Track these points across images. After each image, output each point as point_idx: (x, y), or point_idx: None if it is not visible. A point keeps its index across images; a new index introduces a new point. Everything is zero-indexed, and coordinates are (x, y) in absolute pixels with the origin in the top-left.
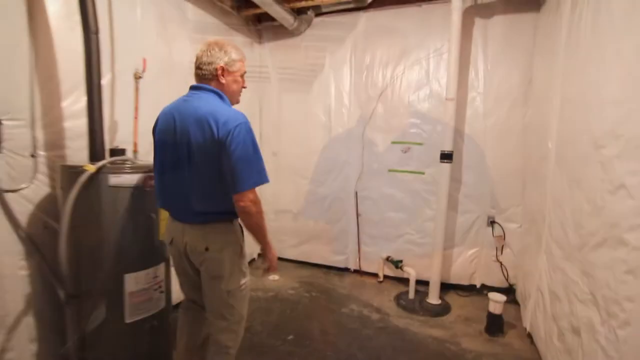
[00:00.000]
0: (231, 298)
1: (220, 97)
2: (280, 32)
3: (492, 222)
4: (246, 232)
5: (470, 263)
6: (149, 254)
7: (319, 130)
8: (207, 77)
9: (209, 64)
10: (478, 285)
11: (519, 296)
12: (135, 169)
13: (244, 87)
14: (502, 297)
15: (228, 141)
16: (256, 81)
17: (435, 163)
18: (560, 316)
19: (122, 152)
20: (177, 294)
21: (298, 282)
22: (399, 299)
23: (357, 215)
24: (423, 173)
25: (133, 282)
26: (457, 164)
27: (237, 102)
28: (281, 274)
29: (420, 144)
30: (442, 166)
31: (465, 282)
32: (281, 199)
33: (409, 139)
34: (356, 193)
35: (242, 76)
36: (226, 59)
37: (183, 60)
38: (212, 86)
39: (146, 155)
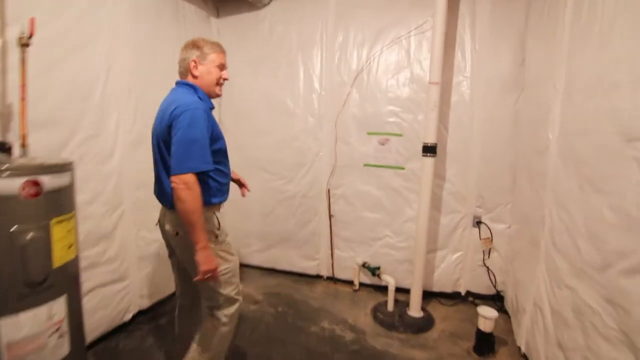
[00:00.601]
0: (212, 283)
1: (193, 89)
2: (241, 4)
3: (478, 223)
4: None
5: (454, 268)
6: (36, 287)
7: (286, 119)
8: (183, 73)
9: (183, 60)
10: (463, 293)
11: (508, 305)
12: (14, 172)
13: (225, 79)
14: (493, 313)
15: (173, 125)
16: None
17: (416, 157)
18: (570, 347)
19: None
20: (94, 326)
21: (263, 294)
22: (377, 311)
23: (330, 215)
24: (403, 168)
25: (13, 328)
26: (440, 158)
27: (217, 94)
28: (245, 284)
29: (399, 134)
30: (425, 160)
31: (449, 290)
32: (246, 197)
33: (387, 129)
34: (328, 191)
35: (219, 67)
36: (198, 53)
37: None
38: (187, 80)
39: (44, 151)
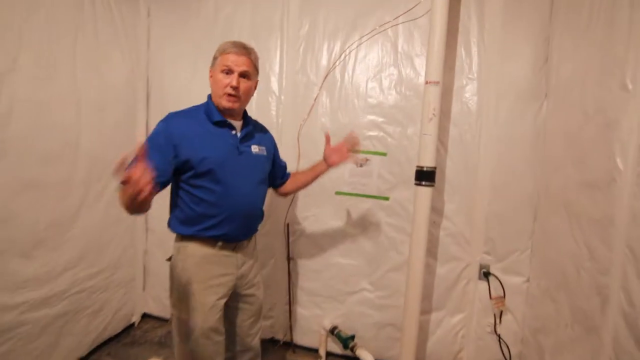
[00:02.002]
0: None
1: (207, 102)
2: None
3: (486, 275)
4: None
5: (455, 336)
6: None
7: None
8: None
9: None
10: None
11: None
12: None
13: (233, 86)
14: None
15: None
16: (141, 50)
17: (405, 183)
18: None
19: None
20: None
21: None
22: None
23: (289, 258)
24: (387, 198)
25: None
26: (436, 187)
27: (223, 106)
28: (167, 354)
29: (383, 153)
30: (419, 191)
31: None
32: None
33: (366, 145)
34: (287, 225)
35: (223, 71)
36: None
37: None
38: None
39: None
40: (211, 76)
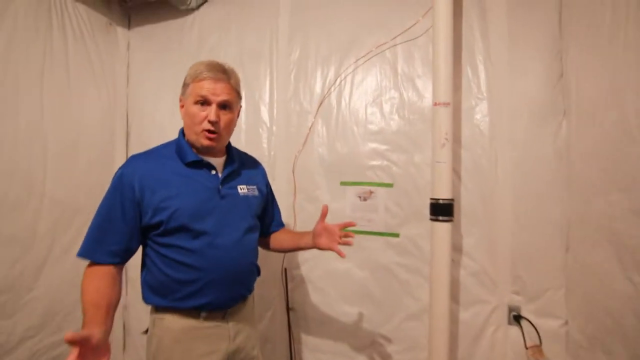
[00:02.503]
0: None
1: (178, 138)
2: (160, 9)
3: (517, 318)
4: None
5: None
6: None
7: None
8: None
9: None
10: None
11: None
12: None
13: (212, 121)
14: None
15: None
16: (119, 86)
17: (416, 217)
18: None
19: None
20: None
21: None
22: None
23: (288, 309)
24: (397, 235)
25: None
26: (454, 220)
27: (202, 144)
28: None
29: (388, 185)
30: (436, 227)
31: None
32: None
33: (369, 176)
34: (284, 271)
35: (197, 102)
36: (183, 88)
37: None
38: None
39: None
40: (182, 106)
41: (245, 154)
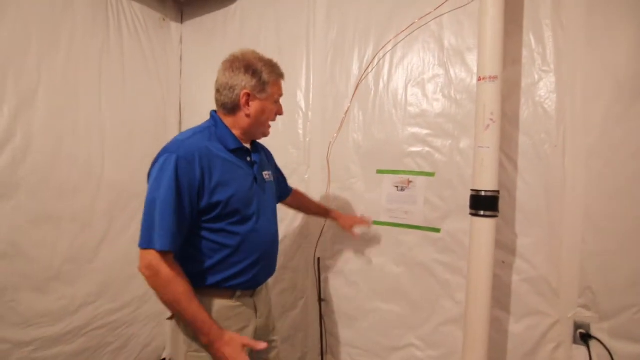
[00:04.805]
0: None
1: (214, 123)
2: (209, 0)
3: (584, 337)
4: None
5: None
6: None
7: None
8: (226, 104)
9: (229, 87)
10: None
11: None
12: None
13: (280, 114)
14: None
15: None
16: (172, 78)
17: (460, 211)
18: None
19: None
20: None
21: None
22: None
23: (320, 300)
24: (438, 230)
25: None
26: (505, 216)
27: (264, 134)
28: None
29: (430, 174)
30: (476, 223)
31: None
32: None
33: (408, 164)
34: (318, 260)
35: (277, 102)
36: (254, 81)
37: None
38: (226, 114)
39: None
40: (251, 101)
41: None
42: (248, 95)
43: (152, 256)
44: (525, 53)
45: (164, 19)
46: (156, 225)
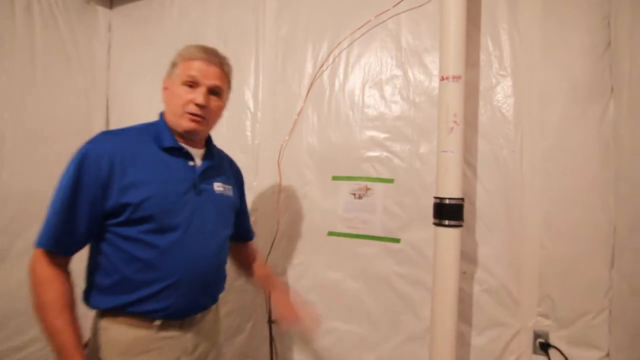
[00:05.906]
0: None
1: (158, 121)
2: None
3: (544, 347)
4: None
5: None
6: None
7: None
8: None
9: None
10: None
11: None
12: None
13: (200, 104)
14: None
15: None
16: (99, 72)
17: (422, 219)
18: None
19: None
20: None
21: None
22: None
23: (270, 321)
24: (397, 240)
25: None
26: (466, 224)
27: (183, 128)
28: None
29: (389, 180)
30: (439, 233)
31: None
32: None
33: (366, 170)
34: None
35: (185, 84)
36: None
37: None
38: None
39: None
40: (166, 88)
41: (223, 151)
42: (164, 81)
43: (33, 255)
44: (482, 57)
45: (88, 2)
46: (44, 223)
